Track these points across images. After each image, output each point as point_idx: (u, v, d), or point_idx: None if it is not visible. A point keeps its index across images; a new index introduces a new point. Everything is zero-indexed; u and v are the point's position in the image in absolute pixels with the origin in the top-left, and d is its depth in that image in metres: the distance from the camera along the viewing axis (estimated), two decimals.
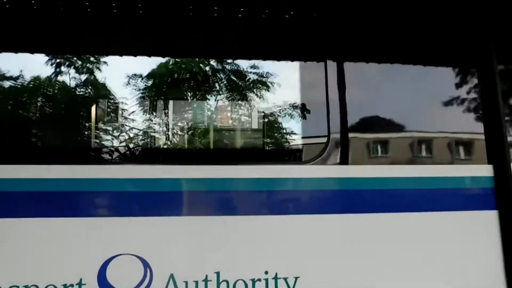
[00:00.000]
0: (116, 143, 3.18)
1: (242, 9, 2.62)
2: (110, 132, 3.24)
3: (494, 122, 2.52)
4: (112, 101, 3.23)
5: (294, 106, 3.20)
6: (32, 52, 2.80)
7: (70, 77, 3.14)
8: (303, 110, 2.68)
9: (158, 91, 3.41)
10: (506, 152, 2.46)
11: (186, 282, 2.11)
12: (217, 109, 3.37)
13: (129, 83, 3.21)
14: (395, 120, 2.57)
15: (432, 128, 2.58)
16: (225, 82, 3.22)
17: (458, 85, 2.66)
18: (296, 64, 2.95)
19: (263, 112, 3.35)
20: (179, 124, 3.35)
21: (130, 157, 2.92)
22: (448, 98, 2.62)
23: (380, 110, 2.55)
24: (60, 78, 3.17)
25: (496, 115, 2.52)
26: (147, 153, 3.22)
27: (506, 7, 2.71)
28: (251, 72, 3.24)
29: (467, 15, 2.68)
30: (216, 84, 3.24)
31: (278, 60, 3.07)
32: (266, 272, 2.18)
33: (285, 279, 2.19)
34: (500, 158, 2.47)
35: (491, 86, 2.55)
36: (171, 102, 3.33)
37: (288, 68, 3.08)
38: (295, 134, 3.14)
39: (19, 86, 3.11)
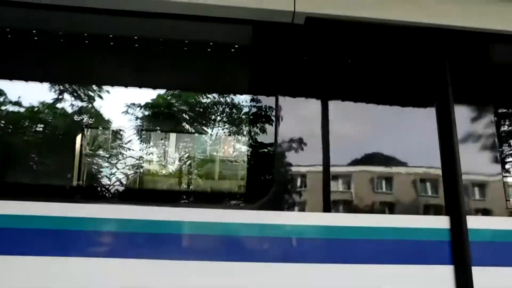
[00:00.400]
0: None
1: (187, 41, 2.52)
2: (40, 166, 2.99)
3: (451, 170, 2.37)
4: None
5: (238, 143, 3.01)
6: (26, 80, 2.76)
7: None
8: (249, 147, 2.49)
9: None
10: (461, 202, 2.29)
11: None
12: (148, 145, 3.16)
13: None
14: (348, 162, 2.39)
15: (386, 171, 2.42)
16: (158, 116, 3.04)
17: (416, 129, 2.52)
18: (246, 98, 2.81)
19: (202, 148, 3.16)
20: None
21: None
22: (404, 137, 2.48)
23: (332, 151, 2.38)
24: None
25: (453, 162, 2.37)
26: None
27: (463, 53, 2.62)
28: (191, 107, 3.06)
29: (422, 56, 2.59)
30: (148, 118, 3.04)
31: (230, 93, 2.92)
32: None
33: None
34: (456, 208, 2.30)
35: (448, 134, 2.42)
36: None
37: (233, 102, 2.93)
38: (235, 175, 2.94)
39: None
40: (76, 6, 2.43)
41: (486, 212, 2.38)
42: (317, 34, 2.56)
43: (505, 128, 2.60)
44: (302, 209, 2.27)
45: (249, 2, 2.47)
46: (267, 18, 2.51)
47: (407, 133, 2.50)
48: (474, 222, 2.28)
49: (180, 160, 3.05)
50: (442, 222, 2.31)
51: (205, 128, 3.09)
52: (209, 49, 2.57)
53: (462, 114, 2.48)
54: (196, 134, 3.09)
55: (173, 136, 3.07)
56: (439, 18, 2.57)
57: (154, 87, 2.79)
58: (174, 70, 2.61)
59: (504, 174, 2.44)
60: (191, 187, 3.07)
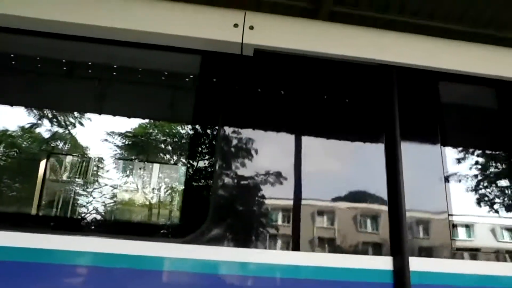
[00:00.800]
0: None
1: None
2: None
3: (396, 209, 2.29)
4: None
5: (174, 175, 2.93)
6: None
7: None
8: (187, 178, 2.40)
9: None
10: (404, 243, 2.20)
11: None
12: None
13: None
14: (288, 197, 2.29)
15: (328, 207, 2.32)
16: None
17: (363, 166, 2.45)
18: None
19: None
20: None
21: None
22: (351, 174, 2.41)
23: (272, 185, 2.29)
24: None
25: (398, 201, 2.29)
26: None
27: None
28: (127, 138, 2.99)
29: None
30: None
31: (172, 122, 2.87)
32: None
33: None
34: (399, 249, 2.20)
35: (394, 174, 2.35)
36: None
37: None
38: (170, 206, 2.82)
39: None
40: (41, 31, 2.40)
41: (430, 253, 2.28)
42: (266, 66, 2.53)
43: (452, 166, 2.55)
44: (234, 245, 2.13)
45: (199, 33, 2.46)
46: (216, 49, 2.50)
47: (354, 170, 2.43)
48: (417, 264, 2.18)
49: (109, 189, 2.94)
50: (385, 263, 2.20)
51: (141, 156, 3.01)
52: (154, 78, 2.55)
53: (409, 152, 2.43)
54: (130, 162, 3.00)
55: (104, 163, 2.98)
56: (389, 55, 2.58)
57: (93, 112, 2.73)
58: (115, 97, 2.56)
59: (450, 214, 2.36)
60: (117, 217, 2.94)
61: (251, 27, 2.50)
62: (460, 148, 2.74)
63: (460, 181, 2.63)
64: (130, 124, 2.98)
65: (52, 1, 2.40)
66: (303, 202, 2.29)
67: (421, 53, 2.63)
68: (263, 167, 2.30)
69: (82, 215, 2.95)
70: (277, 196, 2.27)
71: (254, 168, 2.28)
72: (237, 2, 3.54)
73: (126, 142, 2.88)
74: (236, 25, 2.49)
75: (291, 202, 2.28)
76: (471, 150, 2.77)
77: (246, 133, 2.36)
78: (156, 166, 2.92)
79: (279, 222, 2.24)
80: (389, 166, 2.39)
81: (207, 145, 2.42)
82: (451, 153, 2.61)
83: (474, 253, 2.35)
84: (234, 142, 2.32)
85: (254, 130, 2.39)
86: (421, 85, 2.63)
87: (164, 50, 2.50)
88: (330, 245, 2.25)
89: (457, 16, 3.76)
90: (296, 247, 2.20)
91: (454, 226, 2.41)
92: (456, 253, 2.28)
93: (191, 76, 2.58)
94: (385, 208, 2.32)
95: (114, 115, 2.74)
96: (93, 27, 2.38)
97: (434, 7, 3.59)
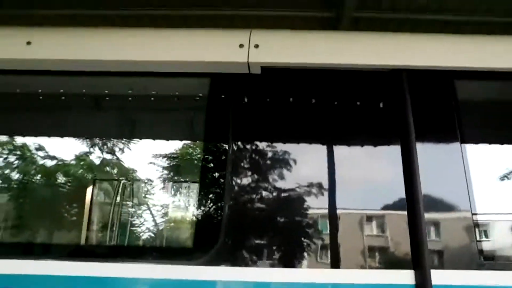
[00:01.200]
0: None
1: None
2: None
3: (415, 218, 2.16)
4: None
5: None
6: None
7: None
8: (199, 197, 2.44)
9: None
10: (425, 254, 2.06)
11: None
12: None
13: None
14: (303, 212, 2.25)
15: (347, 219, 2.24)
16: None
17: (380, 175, 2.35)
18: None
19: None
20: None
21: None
22: (367, 183, 2.32)
23: (286, 202, 2.26)
24: None
25: (417, 209, 2.16)
26: None
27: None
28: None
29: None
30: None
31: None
32: None
33: None
34: (420, 261, 2.06)
35: (412, 180, 2.22)
36: None
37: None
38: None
39: None
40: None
41: (453, 265, 2.11)
42: (276, 81, 2.53)
43: (475, 168, 2.33)
44: (249, 265, 2.12)
45: (206, 57, 2.52)
46: (224, 70, 2.55)
47: (371, 180, 2.34)
48: (439, 277, 2.03)
49: (118, 210, 3.05)
50: (407, 277, 2.08)
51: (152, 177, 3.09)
52: (167, 102, 2.64)
53: (427, 157, 2.29)
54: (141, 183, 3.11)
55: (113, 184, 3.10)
56: (397, 58, 2.48)
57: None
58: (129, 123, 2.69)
59: (474, 221, 2.18)
60: (129, 240, 3.03)
61: (256, 46, 2.52)
62: (483, 147, 2.54)
63: (485, 182, 2.42)
64: (142, 146, 3.10)
65: (76, 43, 2.59)
66: (317, 215, 2.24)
67: (433, 53, 2.50)
68: (276, 181, 2.29)
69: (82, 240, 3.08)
70: (291, 212, 2.25)
71: (266, 183, 2.28)
72: (254, 22, 3.60)
73: (139, 164, 3.01)
74: (241, 45, 2.53)
75: (306, 218, 2.24)
76: (494, 148, 2.56)
77: (258, 149, 2.37)
78: (169, 186, 3.00)
79: (295, 239, 2.21)
80: (406, 173, 2.27)
81: (219, 163, 2.44)
82: (472, 153, 2.40)
83: (505, 262, 2.15)
84: (246, 159, 2.34)
85: (266, 146, 2.39)
86: (435, 85, 2.49)
87: (174, 76, 2.59)
88: (348, 259, 2.17)
89: (486, 9, 3.52)
90: (311, 265, 2.15)
91: (481, 233, 2.23)
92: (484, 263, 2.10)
93: (202, 97, 2.63)
94: (404, 216, 2.20)
95: (129, 138, 2.87)
96: (110, 62, 2.53)
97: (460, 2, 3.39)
